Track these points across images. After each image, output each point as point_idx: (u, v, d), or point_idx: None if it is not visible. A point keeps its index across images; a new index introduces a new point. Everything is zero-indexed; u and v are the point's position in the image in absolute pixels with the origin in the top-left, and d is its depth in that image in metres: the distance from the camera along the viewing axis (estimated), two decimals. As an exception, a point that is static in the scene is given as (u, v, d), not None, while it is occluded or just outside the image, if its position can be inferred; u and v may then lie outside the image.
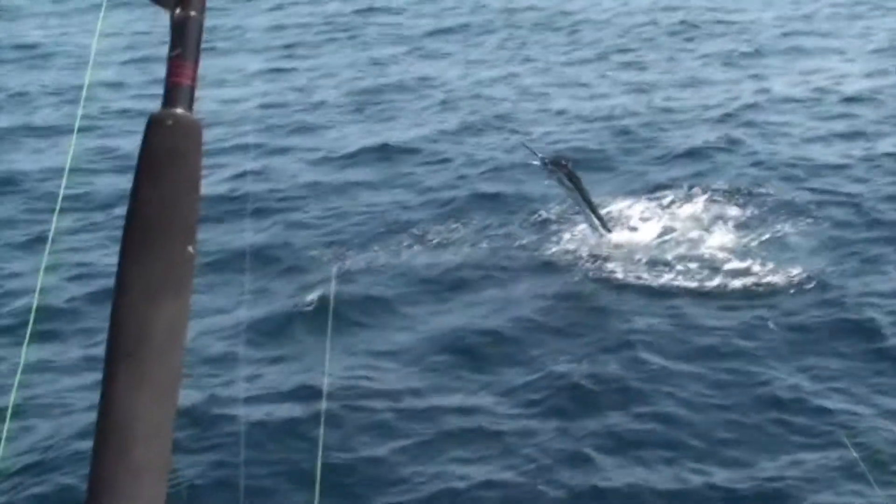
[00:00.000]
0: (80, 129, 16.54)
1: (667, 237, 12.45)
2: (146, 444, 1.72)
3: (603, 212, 12.76)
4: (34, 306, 10.66)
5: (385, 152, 15.88)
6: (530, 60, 21.20)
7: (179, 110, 1.85)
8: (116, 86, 19.51)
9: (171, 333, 1.78)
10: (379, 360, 10.07)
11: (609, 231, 12.32)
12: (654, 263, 11.81)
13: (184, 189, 1.83)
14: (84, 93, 18.37)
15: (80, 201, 14.08)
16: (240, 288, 11.38)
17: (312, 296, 11.03)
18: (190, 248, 1.82)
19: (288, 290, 11.39)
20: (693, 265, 11.72)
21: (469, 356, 10.13)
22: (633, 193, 13.75)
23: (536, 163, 12.15)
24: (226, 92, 18.73)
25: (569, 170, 12.16)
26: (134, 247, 1.79)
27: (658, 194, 13.65)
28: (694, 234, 12.50)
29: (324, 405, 8.92)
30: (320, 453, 8.10)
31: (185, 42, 1.88)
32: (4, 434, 8.44)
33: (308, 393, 9.30)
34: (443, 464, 8.45)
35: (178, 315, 1.80)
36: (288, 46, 23.03)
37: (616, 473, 8.25)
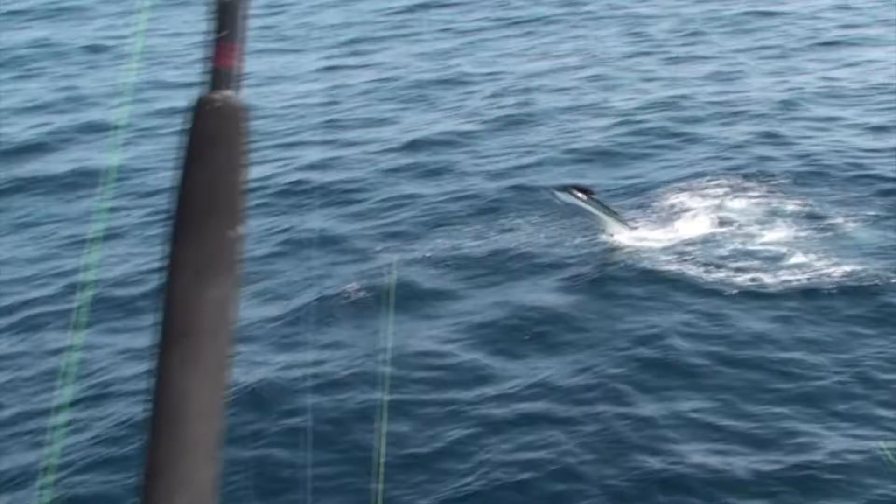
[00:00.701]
0: (152, 128, 16.84)
1: (720, 230, 12.30)
2: (198, 423, 1.72)
3: (659, 205, 12.85)
4: (83, 295, 10.89)
5: (439, 144, 15.97)
6: (581, 53, 21.10)
7: (225, 93, 1.81)
8: (187, 85, 19.69)
9: (221, 314, 1.77)
10: (438, 344, 10.16)
11: (631, 228, 12.22)
12: (707, 256, 11.69)
13: (230, 171, 1.80)
14: (125, 90, 18.54)
15: (153, 196, 14.32)
16: (306, 273, 11.49)
17: (374, 282, 11.16)
18: (237, 230, 1.79)
19: (350, 276, 11.49)
20: (747, 258, 11.56)
21: (523, 342, 10.17)
22: (686, 187, 13.62)
23: (549, 196, 12.25)
24: (291, 87, 18.89)
25: (579, 187, 12.19)
26: (181, 230, 1.77)
27: (710, 188, 13.48)
28: (748, 227, 12.34)
29: (386, 385, 8.97)
30: (384, 434, 8.09)
31: (230, 24, 1.83)
32: (60, 416, 8.58)
33: (369, 374, 9.40)
34: (499, 448, 8.50)
35: (227, 296, 1.78)
36: (350, 42, 23.03)
37: (664, 456, 8.27)
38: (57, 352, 10.29)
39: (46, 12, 26.94)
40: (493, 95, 18.44)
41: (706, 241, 12.12)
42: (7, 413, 9.30)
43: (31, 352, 10.44)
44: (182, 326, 1.74)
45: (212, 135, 1.80)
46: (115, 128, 17.28)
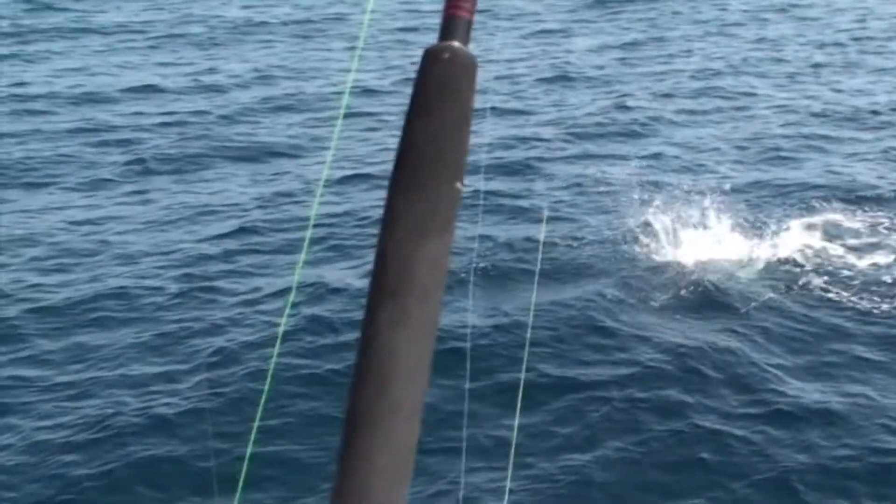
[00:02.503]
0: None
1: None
2: (405, 382, 1.64)
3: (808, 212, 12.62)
4: (307, 241, 11.34)
5: (601, 133, 16.17)
6: (754, 56, 20.77)
7: (456, 43, 1.72)
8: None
9: (434, 271, 1.68)
10: (578, 322, 10.14)
11: None
12: (863, 284, 10.95)
13: (456, 123, 1.71)
14: (354, 67, 18.94)
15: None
16: (471, 235, 11.51)
17: (522, 256, 11.40)
18: (458, 185, 1.71)
19: (501, 248, 11.74)
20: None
21: (648, 325, 10.12)
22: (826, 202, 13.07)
23: None
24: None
25: None
26: (404, 182, 1.68)
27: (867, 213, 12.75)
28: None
29: (525, 361, 9.05)
30: (518, 415, 8.08)
31: None
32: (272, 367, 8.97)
33: (510, 348, 9.47)
34: (628, 435, 8.37)
35: (442, 253, 1.69)
36: (543, 32, 23.37)
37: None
38: (274, 296, 10.77)
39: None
40: (663, 95, 18.34)
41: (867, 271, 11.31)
42: (219, 357, 9.62)
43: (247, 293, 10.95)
44: (395, 283, 1.66)
45: (440, 86, 1.71)
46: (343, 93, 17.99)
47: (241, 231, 12.73)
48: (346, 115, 16.95)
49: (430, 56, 1.71)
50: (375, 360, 1.63)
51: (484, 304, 10.37)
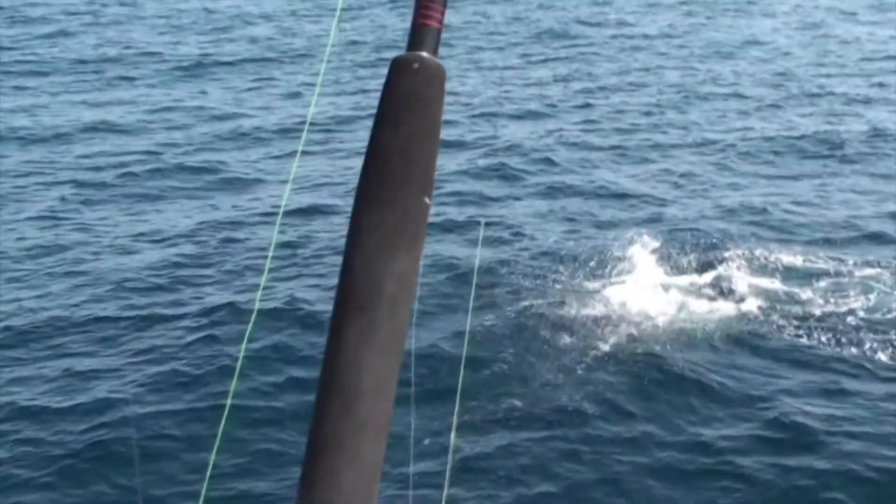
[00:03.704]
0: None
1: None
2: (371, 399, 1.57)
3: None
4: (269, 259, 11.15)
5: (531, 167, 16.32)
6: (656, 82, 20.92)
7: (425, 54, 1.66)
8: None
9: (402, 287, 1.62)
10: (513, 346, 10.11)
11: None
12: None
13: (424, 135, 1.64)
14: (319, 81, 18.85)
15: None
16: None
17: (459, 279, 11.53)
18: (426, 199, 1.64)
19: (440, 269, 11.81)
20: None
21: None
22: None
23: None
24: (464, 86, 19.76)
25: None
26: (370, 194, 1.62)
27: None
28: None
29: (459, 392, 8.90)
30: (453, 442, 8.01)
31: None
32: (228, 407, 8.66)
33: (448, 359, 9.51)
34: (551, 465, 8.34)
35: (411, 267, 1.63)
36: (489, 67, 23.38)
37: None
38: (224, 325, 10.66)
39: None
40: (604, 129, 18.40)
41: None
42: (171, 392, 9.42)
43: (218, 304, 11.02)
44: (363, 297, 1.59)
45: (408, 96, 1.65)
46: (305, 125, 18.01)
47: (193, 261, 12.65)
48: (302, 151, 16.94)
49: (399, 66, 1.66)
50: (341, 377, 1.57)
51: (420, 334, 10.19)
